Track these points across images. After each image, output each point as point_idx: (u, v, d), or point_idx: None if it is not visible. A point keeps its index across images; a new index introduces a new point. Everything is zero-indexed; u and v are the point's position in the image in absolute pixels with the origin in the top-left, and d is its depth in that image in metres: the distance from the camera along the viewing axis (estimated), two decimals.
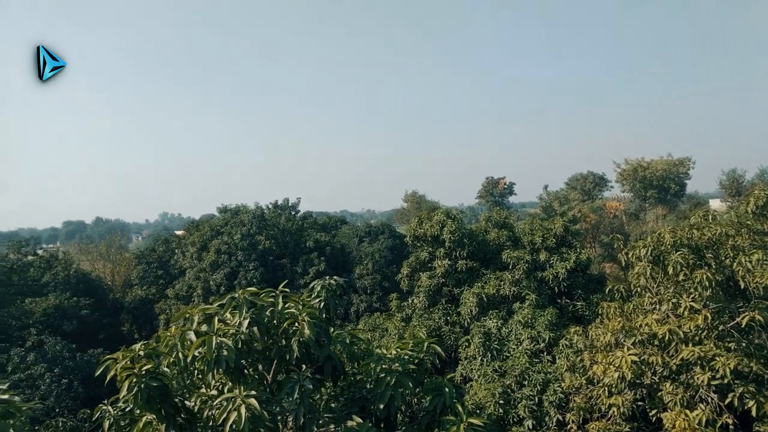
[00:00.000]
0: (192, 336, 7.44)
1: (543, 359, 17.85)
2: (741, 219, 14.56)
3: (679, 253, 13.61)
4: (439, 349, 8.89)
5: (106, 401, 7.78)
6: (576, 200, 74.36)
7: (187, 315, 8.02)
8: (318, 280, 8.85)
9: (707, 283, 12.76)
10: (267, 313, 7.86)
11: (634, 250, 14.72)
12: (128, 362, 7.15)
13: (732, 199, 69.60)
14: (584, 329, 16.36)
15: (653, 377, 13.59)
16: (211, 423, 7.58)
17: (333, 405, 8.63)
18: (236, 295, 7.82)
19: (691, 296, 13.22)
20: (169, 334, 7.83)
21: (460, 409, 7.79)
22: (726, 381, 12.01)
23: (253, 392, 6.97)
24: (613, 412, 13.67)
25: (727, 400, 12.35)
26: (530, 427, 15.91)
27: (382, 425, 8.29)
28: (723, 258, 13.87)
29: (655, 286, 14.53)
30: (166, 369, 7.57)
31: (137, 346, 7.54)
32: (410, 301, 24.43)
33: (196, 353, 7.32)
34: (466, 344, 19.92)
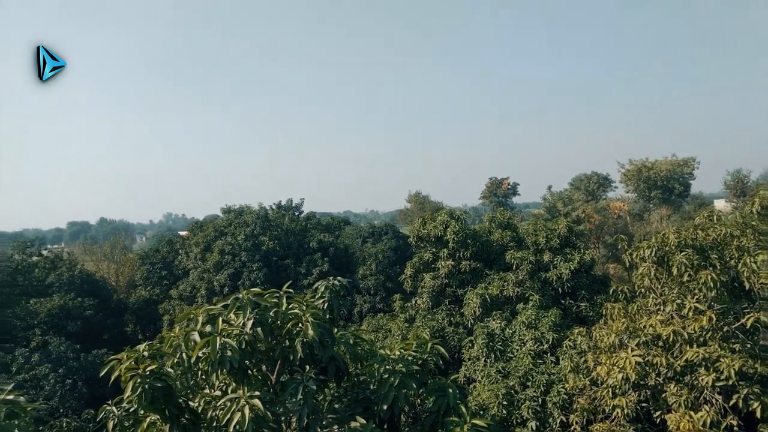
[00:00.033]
0: (196, 336, 7.45)
1: (547, 360, 17.82)
2: (746, 219, 14.51)
3: (683, 253, 13.58)
4: (442, 350, 8.88)
5: (110, 401, 7.80)
6: (580, 201, 74.25)
7: (191, 315, 8.03)
8: (322, 281, 8.85)
9: (712, 284, 12.72)
10: (271, 313, 7.87)
11: (639, 251, 14.69)
12: (132, 363, 7.16)
13: (737, 199, 69.46)
14: (588, 330, 16.34)
15: (657, 378, 13.55)
16: (215, 423, 7.59)
17: (336, 406, 8.63)
18: (240, 295, 7.83)
19: (696, 297, 13.18)
20: (173, 334, 7.84)
21: (464, 410, 7.78)
22: (731, 382, 11.97)
23: (257, 393, 6.98)
24: (617, 413, 13.65)
25: (732, 402, 12.31)
26: (534, 428, 15.89)
27: (385, 426, 8.28)
28: (728, 259, 13.83)
29: (659, 286, 14.50)
30: (170, 369, 7.58)
31: (141, 346, 7.55)
32: (413, 302, 24.44)
33: (200, 354, 7.33)
34: (470, 345, 19.91)
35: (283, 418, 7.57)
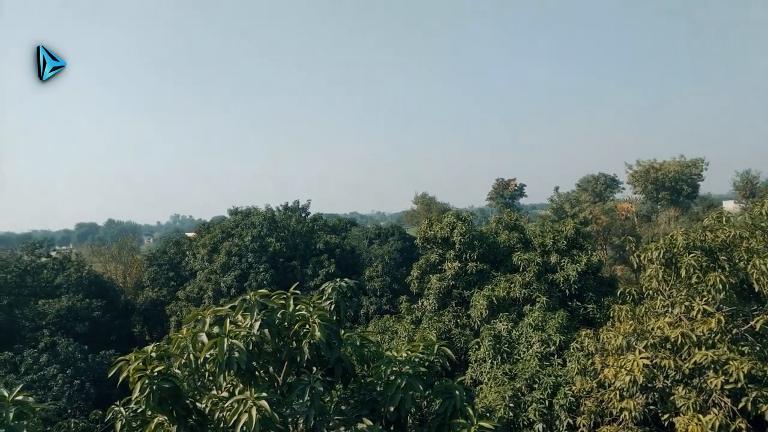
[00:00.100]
0: (204, 338, 7.48)
1: (554, 362, 17.76)
2: (755, 221, 14.42)
3: (692, 255, 13.50)
4: (449, 351, 8.87)
5: (118, 402, 7.84)
6: (587, 202, 73.96)
7: (199, 317, 8.06)
8: (329, 282, 8.86)
9: (721, 286, 12.64)
10: (278, 315, 7.89)
11: (646, 253, 14.62)
12: (140, 364, 7.19)
13: (746, 200, 68.96)
14: (595, 332, 16.26)
15: (665, 381, 13.47)
16: (222, 425, 7.61)
17: (343, 407, 8.63)
18: (247, 297, 7.85)
19: (705, 299, 13.11)
20: (180, 335, 7.86)
21: (471, 412, 7.77)
22: (739, 385, 11.89)
23: (264, 394, 6.99)
24: (625, 416, 13.58)
25: (741, 405, 12.22)
26: (540, 430, 15.82)
27: (392, 428, 8.28)
28: (737, 260, 13.74)
29: (667, 288, 14.42)
30: (177, 371, 7.60)
31: (149, 347, 7.58)
32: (420, 304, 24.41)
33: (208, 355, 7.35)
34: (476, 347, 19.86)
35: (290, 420, 7.58)
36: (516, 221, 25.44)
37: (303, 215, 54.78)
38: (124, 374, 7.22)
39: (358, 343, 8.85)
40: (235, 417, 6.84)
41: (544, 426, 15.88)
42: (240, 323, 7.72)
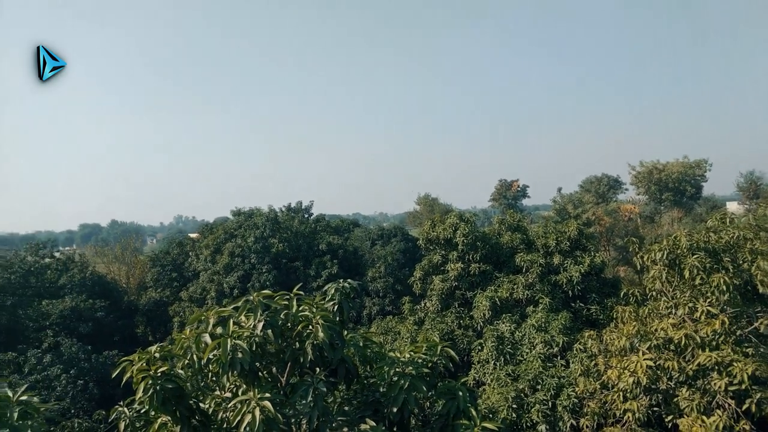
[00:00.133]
0: (207, 338, 7.49)
1: (557, 363, 17.73)
2: (759, 222, 14.39)
3: (695, 256, 13.47)
4: (452, 352, 8.86)
5: (121, 402, 7.85)
6: (590, 203, 73.87)
7: (202, 317, 8.08)
8: (332, 283, 8.86)
9: (725, 288, 12.62)
10: (281, 315, 7.89)
11: (650, 254, 14.59)
12: (144, 364, 7.21)
13: (750, 201, 68.78)
14: (598, 333, 16.25)
15: (669, 382, 13.44)
16: (225, 425, 7.62)
17: (346, 408, 8.63)
18: (251, 297, 7.86)
19: (708, 300, 13.08)
20: (183, 336, 7.88)
21: (474, 413, 7.77)
22: (743, 387, 11.86)
23: (267, 395, 6.99)
24: (628, 417, 13.55)
25: (745, 406, 12.19)
26: (544, 431, 15.80)
27: (395, 429, 8.28)
28: (741, 262, 13.71)
29: (670, 290, 14.39)
30: (180, 371, 7.62)
31: (153, 348, 7.59)
32: (423, 305, 24.41)
33: (211, 355, 7.37)
34: (479, 348, 19.85)
35: (293, 420, 7.59)
36: (519, 222, 25.42)
37: (306, 216, 54.78)
38: (128, 375, 7.23)
39: (361, 344, 8.84)
40: (239, 417, 6.84)
41: (547, 427, 15.85)
42: (243, 324, 7.72)
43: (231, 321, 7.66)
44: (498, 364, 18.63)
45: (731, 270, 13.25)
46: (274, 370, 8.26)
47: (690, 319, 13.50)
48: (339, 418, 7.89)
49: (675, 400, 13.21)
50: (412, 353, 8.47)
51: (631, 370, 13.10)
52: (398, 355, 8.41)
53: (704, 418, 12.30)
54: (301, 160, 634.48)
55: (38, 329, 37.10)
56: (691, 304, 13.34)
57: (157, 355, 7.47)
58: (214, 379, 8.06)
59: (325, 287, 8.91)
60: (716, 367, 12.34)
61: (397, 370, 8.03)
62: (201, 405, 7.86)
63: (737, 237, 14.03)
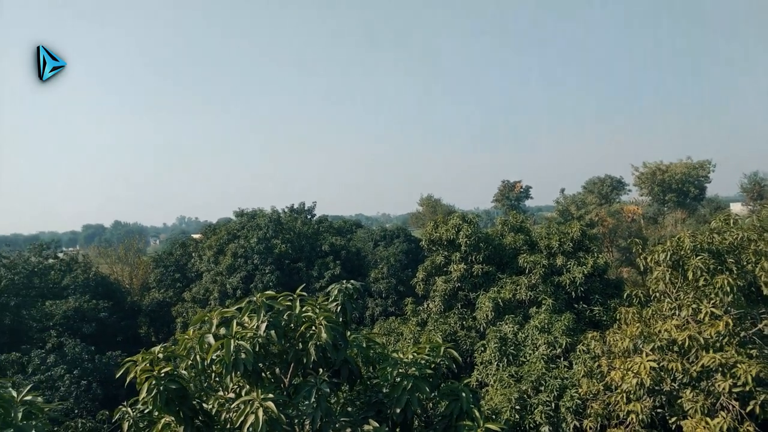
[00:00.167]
0: (210, 339, 7.51)
1: (560, 365, 17.70)
2: (763, 223, 14.36)
3: (699, 257, 13.44)
4: (455, 353, 8.87)
5: (125, 403, 7.87)
6: (593, 204, 73.68)
7: (205, 318, 8.10)
8: (335, 284, 8.86)
9: (728, 289, 12.58)
10: (284, 316, 7.91)
11: (653, 255, 14.56)
12: (147, 365, 7.22)
13: (754, 202, 68.54)
14: (602, 335, 16.22)
15: (673, 384, 13.41)
16: (228, 426, 7.64)
17: (349, 409, 8.63)
18: (254, 298, 7.88)
19: (712, 302, 13.04)
20: (187, 337, 7.90)
21: (477, 414, 7.76)
22: (748, 388, 11.83)
23: (271, 395, 7.00)
24: (632, 418, 13.52)
25: (749, 408, 12.15)
26: None
27: (398, 429, 8.28)
28: (745, 263, 13.68)
29: (674, 291, 14.36)
30: (184, 372, 7.64)
31: (156, 348, 7.61)
32: (426, 306, 24.40)
33: (214, 356, 7.39)
34: (482, 349, 19.82)
35: (296, 421, 7.59)
36: (522, 223, 25.40)
37: (308, 217, 54.83)
38: (132, 375, 7.25)
39: (364, 345, 8.85)
40: (242, 418, 6.86)
41: (551, 428, 15.83)
42: (246, 325, 7.74)
43: (234, 322, 7.68)
44: (501, 365, 18.61)
45: (735, 271, 13.21)
46: (277, 370, 8.28)
47: (694, 320, 13.47)
48: (342, 419, 7.89)
49: (679, 401, 13.17)
50: (415, 354, 8.47)
51: (635, 371, 13.06)
52: (401, 356, 8.41)
53: (708, 419, 12.26)
54: (301, 160, 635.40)
55: (42, 329, 37.22)
56: (694, 306, 13.30)
57: (160, 355, 7.49)
58: (217, 379, 8.09)
59: (328, 288, 8.91)
60: (720, 369, 12.30)
61: (400, 371, 8.02)
62: (204, 405, 7.87)
63: (741, 238, 13.99)
